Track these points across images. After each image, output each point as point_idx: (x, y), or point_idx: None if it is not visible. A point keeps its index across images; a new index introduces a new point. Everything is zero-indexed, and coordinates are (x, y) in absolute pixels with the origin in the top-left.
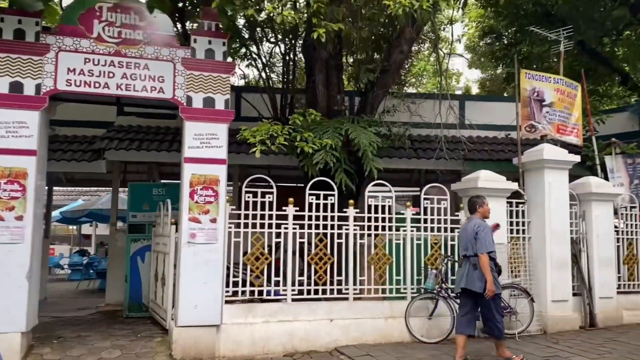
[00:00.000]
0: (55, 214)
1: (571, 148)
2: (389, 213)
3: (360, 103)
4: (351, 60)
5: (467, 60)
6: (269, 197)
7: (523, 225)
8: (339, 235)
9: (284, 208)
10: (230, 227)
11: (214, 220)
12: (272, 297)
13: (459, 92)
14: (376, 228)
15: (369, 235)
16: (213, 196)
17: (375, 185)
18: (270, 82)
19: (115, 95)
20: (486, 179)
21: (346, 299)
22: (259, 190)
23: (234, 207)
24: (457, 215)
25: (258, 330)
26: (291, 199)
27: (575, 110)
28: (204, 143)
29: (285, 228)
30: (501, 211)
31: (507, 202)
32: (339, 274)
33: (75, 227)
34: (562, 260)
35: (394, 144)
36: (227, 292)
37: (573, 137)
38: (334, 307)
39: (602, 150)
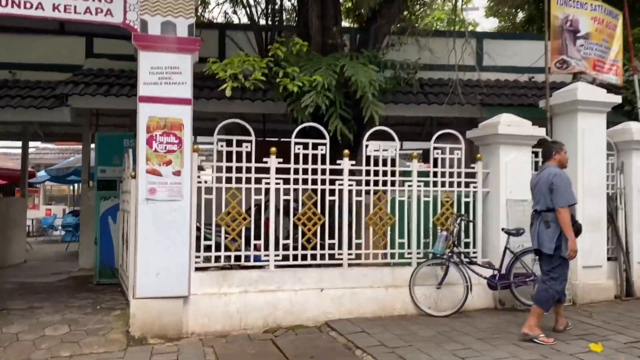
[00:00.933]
0: (42, 173)
1: (609, 88)
2: (392, 166)
3: (361, 38)
4: None
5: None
6: (247, 147)
7: None
8: (332, 192)
9: (265, 160)
10: (200, 182)
11: (177, 173)
12: (251, 263)
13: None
14: (376, 183)
15: (368, 192)
16: (176, 144)
17: (376, 133)
18: (257, 17)
19: (52, 18)
20: (508, 123)
21: (340, 265)
22: (234, 138)
23: (203, 158)
24: (473, 168)
25: (235, 302)
26: (273, 149)
27: (615, 43)
28: (164, 78)
29: (267, 183)
30: (526, 162)
31: (533, 153)
32: (331, 237)
33: (72, 186)
34: (597, 219)
35: (401, 85)
36: (198, 257)
37: (612, 75)
38: (325, 274)
39: None
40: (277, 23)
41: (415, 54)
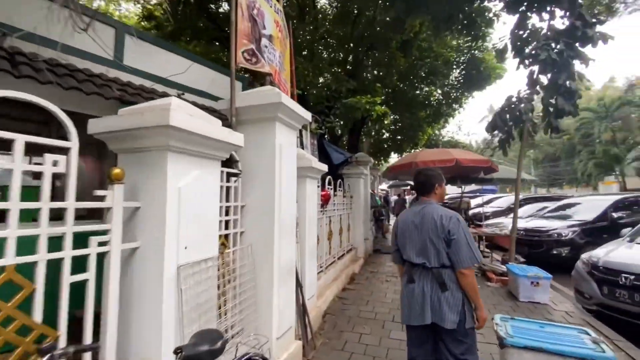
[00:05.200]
0: None
1: None
2: None
3: None
4: None
5: None
6: None
7: (234, 213)
8: None
9: None
10: None
11: None
12: None
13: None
14: None
15: None
16: None
17: None
18: None
19: None
20: (189, 113)
21: None
22: None
23: None
24: (103, 199)
25: None
26: None
27: (286, 64)
28: None
29: None
30: (213, 188)
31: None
32: None
33: None
34: (290, 263)
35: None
36: None
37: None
38: None
39: None
40: None
41: None
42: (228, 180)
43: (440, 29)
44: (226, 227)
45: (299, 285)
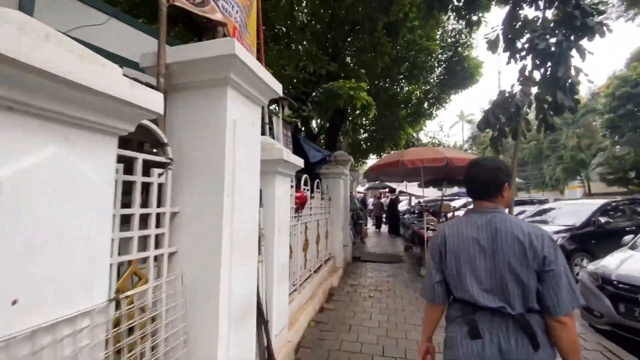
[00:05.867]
0: None
1: None
2: None
3: None
4: None
5: None
6: None
7: (159, 224)
8: None
9: None
10: None
11: None
12: None
13: None
14: None
15: None
16: None
17: None
18: None
19: None
20: (40, 32)
21: None
22: None
23: None
24: None
25: None
26: None
27: (251, 28)
28: None
29: None
30: (95, 181)
31: (121, 160)
32: None
33: None
34: (248, 297)
35: None
36: None
37: None
38: None
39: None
40: None
41: None
42: (148, 173)
43: (434, 9)
44: (144, 248)
45: (263, 322)
